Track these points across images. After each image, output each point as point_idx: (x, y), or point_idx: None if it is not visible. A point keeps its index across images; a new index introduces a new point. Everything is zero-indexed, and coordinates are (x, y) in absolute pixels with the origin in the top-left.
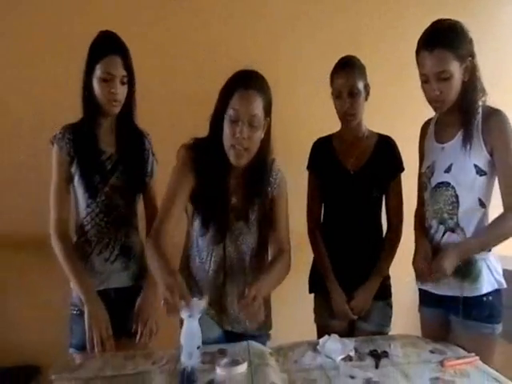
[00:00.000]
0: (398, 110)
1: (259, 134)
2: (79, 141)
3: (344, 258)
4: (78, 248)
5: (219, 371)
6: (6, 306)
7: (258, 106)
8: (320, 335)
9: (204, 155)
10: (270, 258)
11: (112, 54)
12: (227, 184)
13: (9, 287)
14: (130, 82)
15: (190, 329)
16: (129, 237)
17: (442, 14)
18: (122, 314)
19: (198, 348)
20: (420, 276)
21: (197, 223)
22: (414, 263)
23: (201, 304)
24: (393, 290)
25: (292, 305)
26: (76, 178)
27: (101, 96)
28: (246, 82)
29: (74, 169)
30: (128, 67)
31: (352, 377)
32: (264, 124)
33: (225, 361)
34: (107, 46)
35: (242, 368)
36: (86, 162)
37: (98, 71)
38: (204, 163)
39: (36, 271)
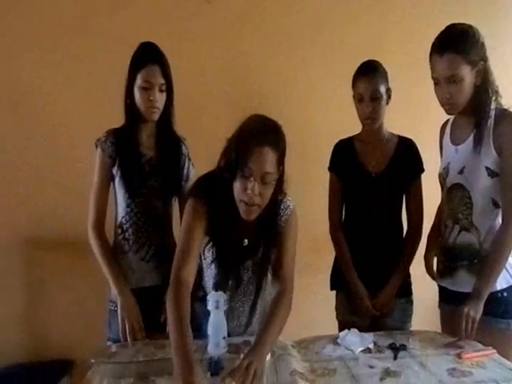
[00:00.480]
0: (423, 112)
1: (271, 190)
2: (121, 144)
3: (365, 257)
4: (117, 246)
5: None
6: (42, 303)
7: (271, 163)
8: (341, 331)
9: (216, 196)
10: (273, 297)
11: (151, 63)
12: (239, 228)
13: (46, 285)
14: (169, 89)
15: (216, 320)
16: (164, 239)
17: (467, 17)
18: (154, 310)
19: (224, 338)
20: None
21: (208, 257)
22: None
23: (225, 297)
24: (413, 287)
25: (314, 303)
26: (117, 179)
27: (141, 103)
28: (261, 137)
29: (115, 170)
30: (166, 75)
31: (371, 366)
32: (276, 176)
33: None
34: (147, 55)
35: (267, 357)
36: (126, 164)
37: (139, 80)
38: (216, 204)
39: (72, 270)
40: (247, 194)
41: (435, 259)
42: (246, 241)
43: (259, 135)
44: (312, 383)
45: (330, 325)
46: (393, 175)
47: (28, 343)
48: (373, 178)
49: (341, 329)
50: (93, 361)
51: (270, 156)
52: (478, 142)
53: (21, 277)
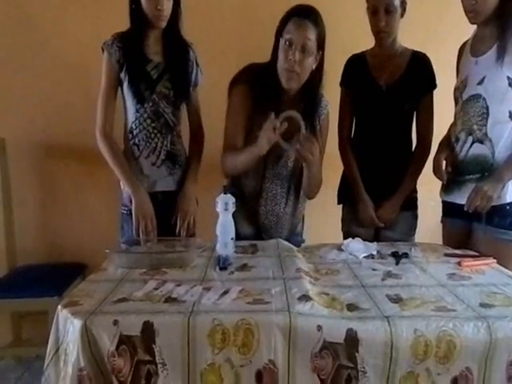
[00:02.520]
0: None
1: (310, 62)
2: (128, 48)
3: (373, 172)
4: (128, 151)
5: None
6: (55, 210)
7: (311, 34)
8: None
9: (258, 82)
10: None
11: None
12: (279, 111)
13: (58, 192)
14: None
15: (225, 221)
16: (174, 144)
17: None
18: (168, 215)
19: (232, 239)
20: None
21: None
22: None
23: (234, 199)
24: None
25: (321, 217)
26: (125, 85)
27: (148, 11)
28: (301, 12)
29: (122, 75)
30: None
31: (373, 269)
32: (316, 55)
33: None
34: None
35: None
36: (133, 69)
37: None
38: (259, 90)
39: (84, 178)
40: (288, 61)
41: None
42: (285, 124)
43: (300, 11)
44: (316, 280)
45: (336, 239)
46: (404, 89)
47: (42, 247)
48: (383, 91)
49: (345, 238)
50: (107, 251)
51: (309, 29)
52: (501, 51)
53: (34, 182)
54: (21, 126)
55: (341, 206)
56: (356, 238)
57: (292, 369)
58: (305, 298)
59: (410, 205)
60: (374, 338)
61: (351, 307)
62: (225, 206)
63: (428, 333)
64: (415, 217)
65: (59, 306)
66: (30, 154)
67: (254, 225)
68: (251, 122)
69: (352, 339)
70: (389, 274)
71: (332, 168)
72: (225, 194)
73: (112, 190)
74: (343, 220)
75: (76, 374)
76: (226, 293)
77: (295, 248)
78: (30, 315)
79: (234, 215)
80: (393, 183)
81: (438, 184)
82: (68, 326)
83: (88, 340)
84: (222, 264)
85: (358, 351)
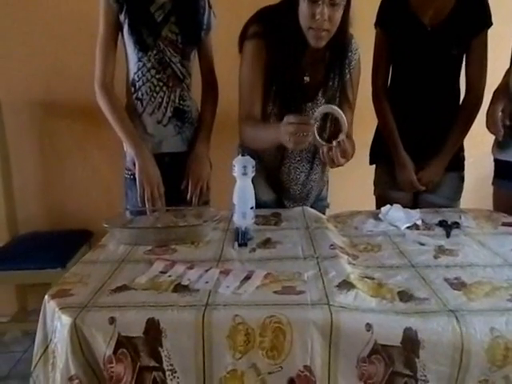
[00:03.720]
0: None
1: (340, 13)
2: None
3: (413, 126)
4: (130, 107)
5: None
6: (58, 174)
7: None
8: (380, 207)
9: (275, 34)
10: None
11: None
12: (301, 62)
13: (60, 155)
14: None
15: (243, 188)
16: (183, 99)
17: None
18: (177, 180)
19: (252, 208)
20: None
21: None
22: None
23: (254, 162)
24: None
25: (349, 180)
26: (125, 29)
27: None
28: None
29: (122, 17)
30: None
31: (421, 243)
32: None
33: None
34: None
35: None
36: (134, 10)
37: None
38: (276, 45)
39: (86, 140)
40: (316, 20)
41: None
42: (306, 78)
43: None
44: (355, 259)
45: (367, 202)
46: (452, 29)
47: (45, 214)
48: (428, 31)
49: (379, 205)
50: (106, 225)
51: None
52: None
53: (33, 145)
54: (16, 84)
55: (373, 166)
56: (395, 205)
57: (333, 377)
58: (346, 284)
59: (457, 165)
60: (440, 339)
61: (404, 296)
62: (243, 169)
63: (509, 332)
64: (462, 179)
65: (46, 296)
66: (28, 115)
67: (276, 192)
68: (269, 79)
69: (411, 341)
70: (441, 250)
71: (363, 123)
72: (242, 155)
73: (119, 152)
74: (376, 183)
75: (65, 383)
76: (248, 278)
77: (324, 217)
78: (34, 286)
79: (252, 181)
80: (437, 140)
81: (482, 137)
82: (56, 323)
83: (79, 342)
84: (242, 239)
85: (418, 356)
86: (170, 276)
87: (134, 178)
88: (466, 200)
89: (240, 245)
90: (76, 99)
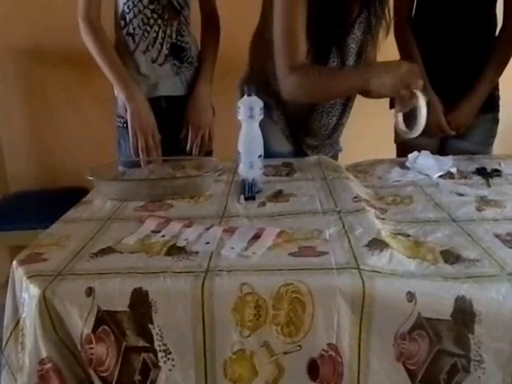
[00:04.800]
0: None
1: None
2: None
3: (442, 63)
4: (120, 44)
5: None
6: (49, 125)
7: None
8: (401, 156)
9: None
10: None
11: None
12: None
13: (50, 105)
14: None
15: (250, 133)
16: (181, 34)
17: None
18: (175, 127)
19: (260, 157)
20: None
21: None
22: None
23: (261, 103)
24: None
25: (365, 122)
26: None
27: None
28: None
29: None
30: None
31: (459, 194)
32: None
33: None
34: None
35: None
36: None
37: None
38: None
39: (76, 89)
40: None
41: None
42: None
43: None
44: (383, 213)
45: (387, 150)
46: None
47: (35, 170)
48: None
49: (400, 154)
50: (91, 178)
51: None
52: None
53: (20, 95)
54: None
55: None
56: (423, 152)
57: (364, 357)
58: (377, 243)
59: (491, 105)
60: (501, 311)
61: (449, 257)
62: (249, 111)
63: None
64: (496, 121)
65: (14, 262)
66: (12, 62)
67: (296, 142)
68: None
69: (464, 313)
70: (484, 201)
71: (385, 58)
72: (249, 95)
73: (113, 100)
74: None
75: (35, 368)
76: (256, 237)
77: (343, 166)
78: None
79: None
80: (469, 78)
81: None
82: (24, 295)
83: (50, 318)
84: (249, 192)
85: (472, 331)
86: (163, 236)
87: (127, 126)
88: (498, 146)
89: (247, 198)
90: (63, 43)
